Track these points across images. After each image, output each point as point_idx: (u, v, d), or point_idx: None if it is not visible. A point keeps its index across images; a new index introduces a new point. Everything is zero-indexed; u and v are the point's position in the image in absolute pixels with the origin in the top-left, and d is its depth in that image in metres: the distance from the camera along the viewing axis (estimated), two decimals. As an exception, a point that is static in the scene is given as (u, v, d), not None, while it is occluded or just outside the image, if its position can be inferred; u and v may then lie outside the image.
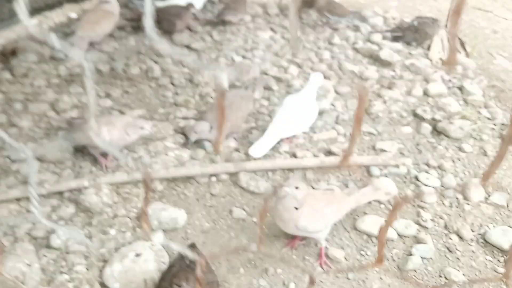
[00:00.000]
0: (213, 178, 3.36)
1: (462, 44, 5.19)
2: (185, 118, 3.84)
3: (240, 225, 3.07)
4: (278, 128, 3.45)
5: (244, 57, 4.71)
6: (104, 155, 3.36)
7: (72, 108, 3.87)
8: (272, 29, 5.22)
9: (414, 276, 2.82)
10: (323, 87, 4.14)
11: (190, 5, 5.02)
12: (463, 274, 2.81)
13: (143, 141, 3.52)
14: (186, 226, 3.04)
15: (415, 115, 4.02)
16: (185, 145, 3.56)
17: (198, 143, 3.54)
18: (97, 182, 3.15)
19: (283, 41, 5.03)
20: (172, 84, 4.25)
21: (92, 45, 4.52)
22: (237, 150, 3.56)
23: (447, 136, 3.80)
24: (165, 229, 2.97)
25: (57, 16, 5.24)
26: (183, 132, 3.67)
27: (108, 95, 4.06)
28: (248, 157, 3.45)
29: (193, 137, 3.49)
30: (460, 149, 3.71)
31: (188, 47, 4.79)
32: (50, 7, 5.19)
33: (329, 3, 5.25)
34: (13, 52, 4.37)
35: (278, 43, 4.99)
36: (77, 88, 4.09)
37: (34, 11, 5.03)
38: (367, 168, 3.49)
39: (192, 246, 2.64)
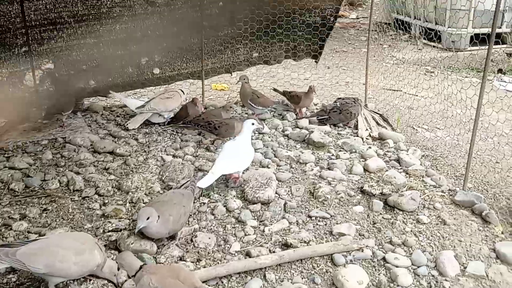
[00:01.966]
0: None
1: (386, 120, 4.96)
2: (116, 230, 3.07)
3: None
4: (221, 166, 3.46)
5: (174, 156, 4.10)
6: None
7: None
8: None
9: None
10: (264, 175, 3.60)
11: None
12: None
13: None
14: None
15: (363, 191, 3.54)
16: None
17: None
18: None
19: (213, 136, 4.52)
20: (98, 194, 3.49)
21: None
22: (181, 259, 2.82)
23: (401, 210, 3.33)
24: None
25: None
26: (116, 247, 2.88)
27: (23, 217, 3.19)
28: (198, 267, 2.73)
29: (141, 224, 2.71)
30: (418, 221, 3.23)
31: (112, 152, 4.11)
32: None
33: (253, 94, 4.90)
34: None
35: (208, 137, 4.47)
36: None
37: None
38: (330, 257, 2.88)
39: None
